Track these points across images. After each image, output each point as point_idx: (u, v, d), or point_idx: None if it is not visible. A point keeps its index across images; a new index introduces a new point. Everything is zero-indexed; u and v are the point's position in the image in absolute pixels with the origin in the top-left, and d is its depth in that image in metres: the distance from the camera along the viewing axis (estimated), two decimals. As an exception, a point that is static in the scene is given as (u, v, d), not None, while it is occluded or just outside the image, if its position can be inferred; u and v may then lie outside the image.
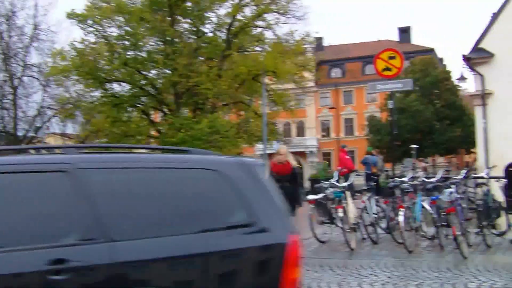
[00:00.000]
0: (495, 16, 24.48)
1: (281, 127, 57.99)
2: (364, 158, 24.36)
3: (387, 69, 15.07)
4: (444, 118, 48.27)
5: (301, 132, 70.98)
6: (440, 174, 11.52)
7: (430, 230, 10.79)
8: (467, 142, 46.41)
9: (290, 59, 34.40)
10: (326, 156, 68.10)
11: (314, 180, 34.22)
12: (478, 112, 24.24)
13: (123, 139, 31.34)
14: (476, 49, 24.14)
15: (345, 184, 11.47)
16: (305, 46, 36.91)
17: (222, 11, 33.89)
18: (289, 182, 9.37)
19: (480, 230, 10.27)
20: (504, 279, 8.01)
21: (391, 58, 15.08)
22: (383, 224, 11.72)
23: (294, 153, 60.27)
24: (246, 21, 33.50)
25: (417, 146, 45.23)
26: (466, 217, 10.09)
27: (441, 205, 9.73)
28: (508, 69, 23.63)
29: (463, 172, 11.83)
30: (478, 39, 24.35)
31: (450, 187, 10.04)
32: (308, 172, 60.56)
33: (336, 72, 71.55)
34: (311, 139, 69.60)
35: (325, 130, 71.67)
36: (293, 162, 9.28)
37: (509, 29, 24.06)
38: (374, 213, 11.55)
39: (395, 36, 73.81)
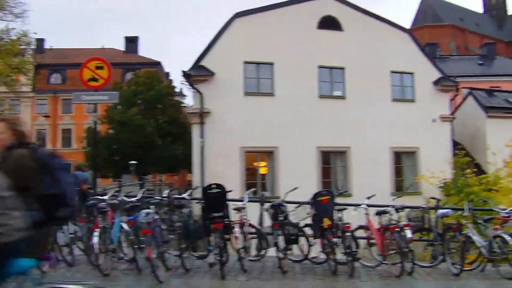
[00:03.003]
0: (217, 35, 25.73)
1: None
2: (73, 175, 23.83)
3: (94, 79, 14.86)
4: (167, 134, 49.30)
5: (14, 140, 67.71)
6: (141, 193, 11.66)
7: (130, 252, 10.83)
8: (189, 161, 47.95)
9: (4, 59, 32.70)
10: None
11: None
12: (195, 131, 25.23)
13: None
14: (197, 66, 25.13)
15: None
16: (22, 46, 35.38)
17: None
18: None
19: (180, 253, 10.55)
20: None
21: (99, 68, 14.88)
22: (82, 245, 11.51)
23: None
24: (-44, 11, 31.21)
25: (136, 162, 45.87)
26: (165, 239, 10.29)
27: (141, 226, 9.80)
28: (226, 89, 25.07)
29: (165, 192, 12.10)
30: (199, 57, 25.41)
31: (149, 208, 10.21)
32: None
33: (56, 78, 69.60)
34: (24, 149, 66.61)
35: (41, 139, 69.16)
36: None
37: (229, 49, 25.57)
38: (70, 233, 11.27)
39: (121, 46, 74.22)
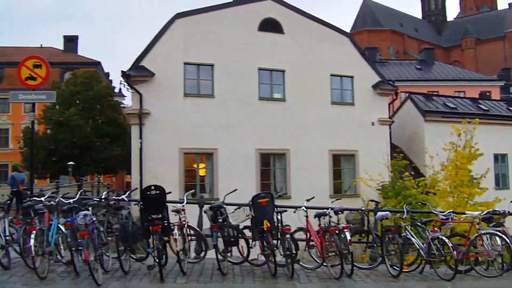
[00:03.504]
0: (157, 36, 25.59)
1: None
2: (10, 176, 23.49)
3: (31, 78, 14.63)
4: (105, 135, 48.66)
5: (-49, 141, 66.09)
6: (78, 194, 11.54)
7: (67, 255, 10.69)
8: (128, 162, 47.14)
9: None
10: (-24, 168, 64.09)
11: None
12: (134, 132, 25.03)
13: None
14: (137, 66, 24.93)
15: (-27, 202, 10.81)
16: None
17: None
18: None
19: (118, 255, 10.47)
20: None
21: (36, 66, 14.66)
22: (18, 247, 11.29)
23: None
24: None
25: (73, 163, 45.14)
26: (103, 241, 10.20)
27: (78, 227, 9.69)
28: (166, 90, 24.97)
29: (104, 193, 11.99)
30: (139, 57, 25.21)
31: (87, 209, 10.11)
32: None
33: (-7, 77, 67.97)
34: (-41, 150, 64.99)
35: (-22, 140, 67.62)
36: None
37: (169, 50, 25.46)
38: (6, 235, 11.06)
39: (60, 45, 72.94)
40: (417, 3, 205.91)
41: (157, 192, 10.29)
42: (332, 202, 12.54)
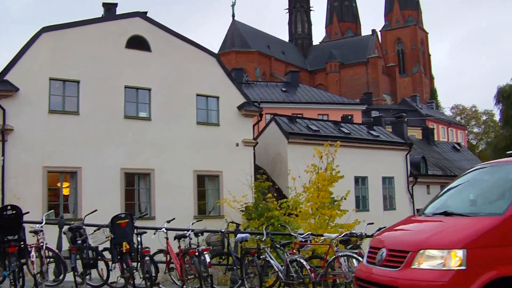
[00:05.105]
0: (23, 49, 24.94)
1: None
2: None
3: None
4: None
5: None
6: None
7: None
8: None
9: None
10: None
11: None
12: (-4, 149, 24.16)
13: None
14: (1, 81, 24.18)
15: None
16: None
17: None
18: None
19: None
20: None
21: None
22: None
23: None
24: None
25: None
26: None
27: None
28: (30, 106, 24.35)
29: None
30: (3, 71, 24.49)
31: None
32: None
33: None
34: None
35: None
36: None
37: (35, 65, 24.87)
38: None
39: None
40: (284, 26, 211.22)
41: (13, 212, 10.09)
42: (192, 223, 12.73)
